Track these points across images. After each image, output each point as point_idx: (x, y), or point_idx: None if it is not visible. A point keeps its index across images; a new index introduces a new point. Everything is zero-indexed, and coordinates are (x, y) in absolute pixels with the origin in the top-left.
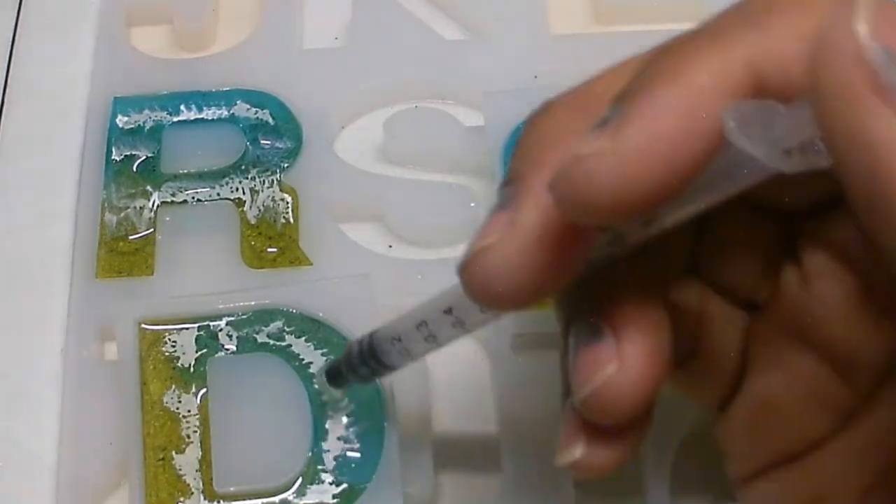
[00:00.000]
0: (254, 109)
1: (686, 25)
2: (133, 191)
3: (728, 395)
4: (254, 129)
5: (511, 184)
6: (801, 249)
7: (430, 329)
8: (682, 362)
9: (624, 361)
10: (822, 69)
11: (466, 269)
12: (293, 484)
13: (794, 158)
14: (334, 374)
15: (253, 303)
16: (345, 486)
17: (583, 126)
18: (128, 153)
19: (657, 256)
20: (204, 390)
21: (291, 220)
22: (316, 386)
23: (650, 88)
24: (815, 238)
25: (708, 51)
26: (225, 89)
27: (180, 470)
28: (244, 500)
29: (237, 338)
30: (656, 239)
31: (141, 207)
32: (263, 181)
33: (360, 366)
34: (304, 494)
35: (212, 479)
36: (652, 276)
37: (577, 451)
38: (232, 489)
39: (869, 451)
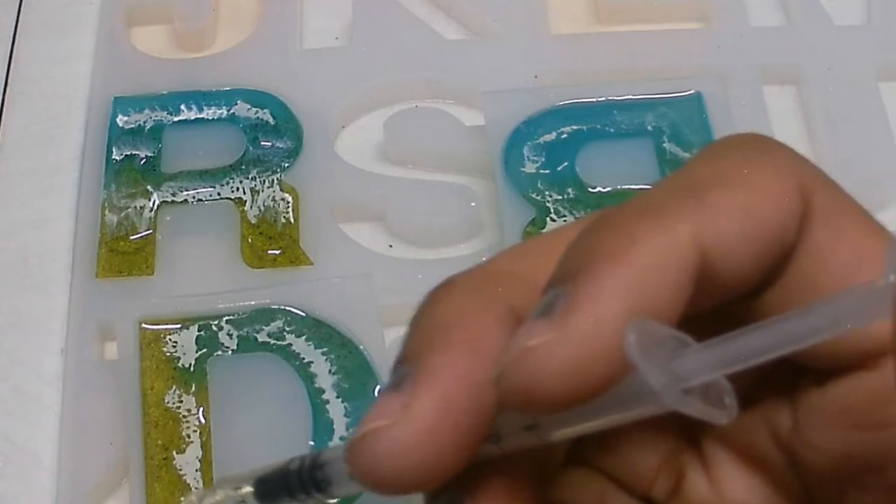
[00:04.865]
0: (254, 109)
1: (686, 25)
2: (133, 190)
3: None
4: (254, 129)
5: (407, 364)
6: (704, 443)
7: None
8: None
9: None
10: None
11: (354, 449)
12: None
13: (692, 400)
14: (267, 492)
15: (253, 302)
16: None
17: (482, 308)
18: (128, 153)
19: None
20: (204, 390)
21: (292, 220)
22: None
23: (594, 270)
24: (719, 434)
25: (651, 226)
26: (225, 89)
27: (180, 469)
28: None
29: (237, 337)
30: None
31: (141, 207)
32: (264, 181)
33: (297, 489)
34: None
35: (212, 479)
36: (527, 457)
37: None
38: None
39: None
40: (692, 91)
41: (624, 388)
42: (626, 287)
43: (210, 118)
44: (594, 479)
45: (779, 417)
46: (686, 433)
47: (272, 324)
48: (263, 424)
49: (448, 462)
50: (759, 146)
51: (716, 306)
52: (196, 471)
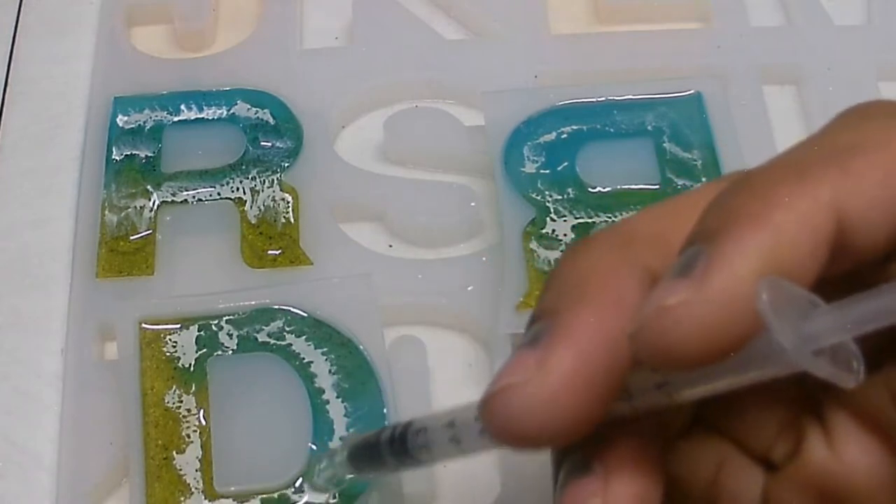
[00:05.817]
0: (254, 109)
1: (686, 25)
2: (133, 190)
3: None
4: (254, 129)
5: (542, 319)
6: (825, 408)
7: (456, 431)
8: None
9: (609, 500)
10: None
11: (488, 405)
12: (293, 483)
13: (821, 362)
14: (360, 456)
15: (253, 302)
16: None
17: (620, 265)
18: (128, 153)
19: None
20: (204, 390)
21: (292, 220)
22: (322, 464)
23: (734, 230)
24: (840, 399)
25: (793, 191)
26: (225, 89)
27: (181, 469)
28: (245, 499)
29: (237, 337)
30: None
31: (141, 207)
32: (264, 181)
33: (388, 455)
34: (304, 493)
35: (212, 479)
36: (653, 421)
37: None
38: (232, 488)
39: None
40: (692, 91)
41: (755, 348)
42: (765, 248)
43: (210, 118)
44: (715, 442)
45: None
46: (807, 396)
47: (272, 324)
48: (263, 424)
49: (582, 418)
50: None
51: (847, 270)
52: (196, 471)
